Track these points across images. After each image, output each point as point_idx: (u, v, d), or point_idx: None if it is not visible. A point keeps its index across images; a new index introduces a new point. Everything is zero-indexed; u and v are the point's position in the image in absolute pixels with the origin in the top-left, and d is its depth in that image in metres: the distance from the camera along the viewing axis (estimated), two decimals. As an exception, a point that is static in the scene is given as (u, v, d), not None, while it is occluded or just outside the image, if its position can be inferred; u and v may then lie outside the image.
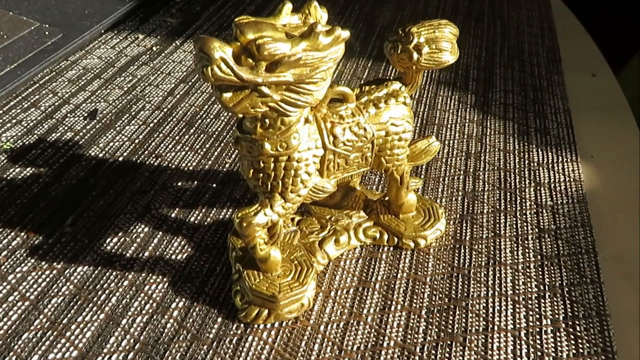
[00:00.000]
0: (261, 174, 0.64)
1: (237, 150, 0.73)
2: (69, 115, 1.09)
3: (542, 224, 0.85)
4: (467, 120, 1.08)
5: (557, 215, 0.86)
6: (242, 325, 0.71)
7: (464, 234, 0.84)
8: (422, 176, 0.94)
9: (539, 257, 0.80)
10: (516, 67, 1.24)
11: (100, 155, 0.99)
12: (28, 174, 0.95)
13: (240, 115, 0.58)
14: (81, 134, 1.04)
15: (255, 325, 0.71)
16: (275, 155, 0.62)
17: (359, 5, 1.52)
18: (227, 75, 0.53)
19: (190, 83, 1.19)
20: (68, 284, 0.76)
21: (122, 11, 1.30)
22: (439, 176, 0.95)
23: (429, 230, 0.81)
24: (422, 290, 0.75)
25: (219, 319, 0.72)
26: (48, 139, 1.02)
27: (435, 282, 0.76)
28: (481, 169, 0.96)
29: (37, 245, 0.81)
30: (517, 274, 0.77)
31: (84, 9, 1.28)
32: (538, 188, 0.92)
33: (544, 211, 0.87)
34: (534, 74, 1.22)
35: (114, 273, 0.78)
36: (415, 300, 0.74)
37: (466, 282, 0.76)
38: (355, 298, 0.75)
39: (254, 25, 0.54)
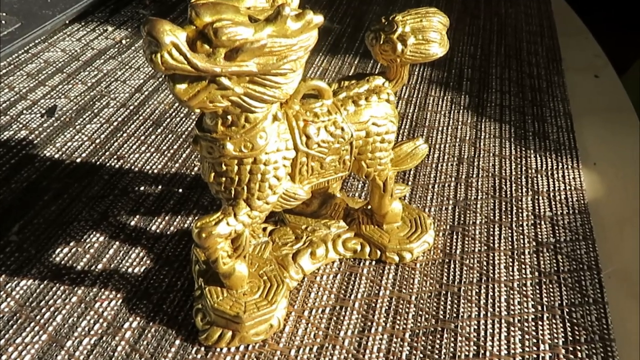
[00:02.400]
0: (224, 178, 0.58)
1: (196, 151, 0.68)
2: (25, 112, 1.03)
3: (540, 236, 0.80)
4: (460, 123, 1.03)
5: (556, 228, 0.82)
6: (202, 348, 0.65)
7: (454, 248, 0.78)
8: (410, 183, 0.89)
9: (536, 273, 0.75)
10: (514, 67, 1.20)
11: (56, 156, 0.93)
12: (-26, 175, 0.88)
13: (198, 111, 0.52)
14: (37, 132, 0.98)
15: (218, 349, 0.65)
16: (239, 157, 0.56)
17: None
18: (180, 64, 0.48)
19: (160, 79, 1.13)
20: (9, 299, 0.70)
21: (89, 1, 1.24)
22: (427, 183, 0.89)
23: (416, 243, 0.76)
24: (407, 310, 0.70)
25: (177, 342, 0.66)
26: (0, 138, 0.96)
27: (421, 301, 0.71)
28: (474, 176, 0.91)
29: (-23, 256, 0.75)
30: (512, 292, 0.72)
31: (45, -2, 1.22)
32: (536, 197, 0.87)
33: (543, 223, 0.82)
34: (532, 74, 1.18)
35: (62, 288, 0.72)
36: (398, 321, 0.68)
37: (455, 302, 0.71)
38: (332, 318, 0.69)
39: (211, 6, 0.49)
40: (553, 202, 0.86)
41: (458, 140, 0.99)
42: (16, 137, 0.97)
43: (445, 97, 1.10)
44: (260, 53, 0.49)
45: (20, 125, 0.99)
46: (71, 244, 0.78)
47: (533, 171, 0.92)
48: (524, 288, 0.73)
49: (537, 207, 0.85)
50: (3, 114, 1.02)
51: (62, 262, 0.75)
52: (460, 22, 1.37)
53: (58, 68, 1.15)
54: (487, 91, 1.12)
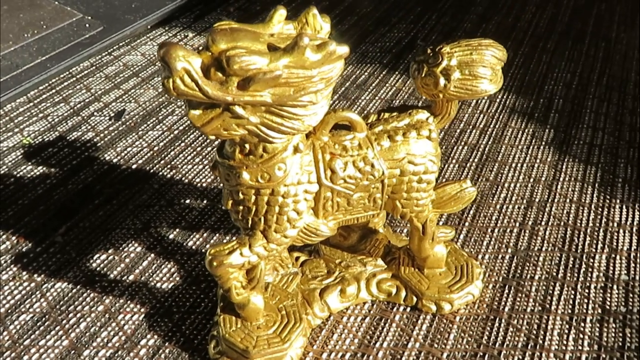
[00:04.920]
0: (241, 207, 0.58)
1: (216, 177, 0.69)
2: (95, 113, 1.10)
3: (608, 303, 0.72)
4: (538, 161, 0.96)
5: (631, 295, 0.73)
6: (211, 378, 0.66)
7: (502, 304, 0.73)
8: (467, 224, 0.85)
9: (595, 347, 0.68)
10: (614, 101, 1.10)
11: (115, 160, 0.99)
12: (38, 173, 0.96)
13: (213, 137, 0.53)
14: (102, 135, 1.05)
15: (226, 381, 0.65)
16: (256, 187, 0.56)
17: (437, 14, 1.43)
18: (191, 90, 0.48)
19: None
20: (42, 300, 0.75)
21: (172, 7, 1.31)
22: (487, 226, 0.84)
23: (458, 293, 0.72)
24: (435, 367, 0.66)
25: (188, 367, 0.67)
26: (67, 138, 1.04)
27: (453, 360, 0.67)
28: (543, 223, 0.84)
29: (24, 253, 0.81)
30: (561, 364, 0.66)
31: (130, 3, 1.30)
32: (612, 256, 0.79)
33: (615, 287, 0.74)
34: (635, 110, 1.07)
35: (92, 295, 0.75)
36: (422, 380, 0.65)
37: (492, 366, 0.66)
38: (351, 365, 0.67)
39: (229, 32, 0.49)
40: (633, 265, 0.78)
41: (532, 180, 0.92)
42: (82, 138, 1.04)
43: (526, 130, 1.04)
44: (275, 84, 0.49)
45: (89, 127, 1.07)
46: (110, 251, 0.82)
47: (615, 225, 0.84)
48: (577, 362, 0.66)
49: (611, 268, 0.77)
50: (76, 115, 1.10)
51: (98, 269, 0.79)
52: (559, 46, 1.28)
53: (135, 72, 1.22)
54: (576, 126, 1.04)
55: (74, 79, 1.20)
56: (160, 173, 0.96)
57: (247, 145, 0.55)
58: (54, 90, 1.16)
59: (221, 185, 0.90)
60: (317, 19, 0.53)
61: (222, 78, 0.49)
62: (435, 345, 0.68)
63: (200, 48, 0.50)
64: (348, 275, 0.74)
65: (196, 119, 0.51)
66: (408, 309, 0.73)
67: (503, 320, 0.71)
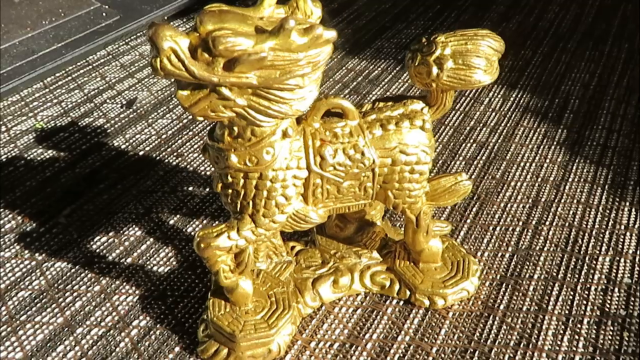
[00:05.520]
0: (230, 190, 0.59)
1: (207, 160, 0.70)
2: (108, 101, 1.13)
3: (608, 306, 0.71)
4: (548, 161, 0.95)
5: (632, 299, 0.72)
6: (198, 360, 0.67)
7: (498, 301, 0.72)
8: (468, 220, 0.84)
9: (590, 349, 0.66)
10: (633, 103, 1.08)
11: (123, 146, 1.01)
12: (48, 156, 0.99)
13: (201, 118, 0.54)
14: (113, 121, 1.07)
15: (213, 364, 0.66)
16: (243, 170, 0.57)
17: (457, 12, 1.43)
18: (177, 70, 0.49)
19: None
20: (41, 278, 0.77)
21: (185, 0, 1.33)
22: (489, 223, 0.84)
23: (453, 289, 0.71)
24: (423, 361, 0.66)
25: (177, 349, 0.68)
26: (79, 123, 1.06)
27: (442, 355, 0.66)
28: (547, 223, 0.83)
29: (27, 232, 0.84)
30: (553, 365, 0.65)
31: (150, -7, 1.33)
32: (617, 259, 0.77)
33: (616, 290, 0.73)
34: (654, 113, 1.05)
35: (89, 275, 0.77)
36: (409, 373, 0.65)
37: (482, 363, 0.65)
38: (338, 355, 0.67)
39: (217, 14, 0.50)
40: (637, 268, 0.76)
41: (539, 179, 0.91)
42: (94, 124, 1.06)
43: (538, 129, 1.02)
44: (260, 66, 0.50)
45: (101, 114, 1.09)
46: (110, 233, 0.84)
47: (622, 227, 0.82)
48: (569, 363, 0.65)
49: (614, 271, 0.76)
50: (89, 102, 1.12)
51: (97, 251, 0.81)
52: (580, 46, 1.26)
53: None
54: (591, 127, 1.02)
55: (91, 67, 1.23)
56: (166, 160, 0.98)
57: (235, 128, 0.55)
58: (70, 78, 1.19)
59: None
60: (308, 3, 0.54)
61: (209, 59, 0.50)
62: (426, 340, 0.68)
63: (189, 30, 0.51)
64: (342, 266, 0.74)
65: (184, 99, 0.52)
66: (401, 303, 0.72)
67: (497, 318, 0.70)
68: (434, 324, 0.70)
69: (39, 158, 0.98)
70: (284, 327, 0.66)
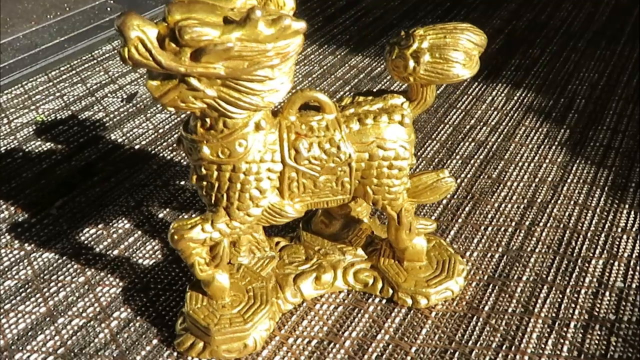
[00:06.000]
0: (204, 182, 0.59)
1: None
2: (109, 95, 1.14)
3: (597, 310, 0.69)
4: (547, 161, 0.93)
5: (623, 303, 0.70)
6: (175, 353, 0.67)
7: (483, 302, 0.71)
8: (459, 220, 0.83)
9: (575, 352, 0.65)
10: (641, 103, 1.05)
11: (120, 140, 1.02)
12: (45, 148, 1.00)
13: (171, 109, 0.54)
14: (112, 115, 1.08)
15: (189, 358, 0.66)
16: (216, 162, 0.57)
17: (466, 10, 1.41)
18: (145, 59, 0.50)
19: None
20: (28, 268, 0.78)
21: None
22: (480, 223, 0.82)
23: (436, 288, 0.70)
24: (401, 361, 0.65)
25: (155, 341, 0.68)
26: (79, 117, 1.08)
27: (421, 355, 0.66)
28: (541, 224, 0.82)
29: (19, 223, 0.85)
30: (535, 369, 0.64)
31: (156, -12, 1.34)
32: (610, 262, 0.76)
33: (607, 294, 0.71)
34: (663, 114, 1.02)
35: (75, 266, 0.78)
36: (386, 372, 0.64)
37: (461, 365, 0.64)
38: (315, 352, 0.67)
39: (186, 5, 0.50)
40: (631, 272, 0.74)
41: (537, 180, 0.90)
42: (93, 117, 1.08)
43: (540, 129, 1.01)
44: (227, 56, 0.50)
45: (101, 107, 1.11)
46: (100, 225, 0.84)
47: (619, 230, 0.80)
48: (552, 367, 0.64)
49: (607, 274, 0.74)
50: (90, 95, 1.14)
51: (85, 242, 0.82)
52: (591, 45, 1.24)
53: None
54: (595, 128, 1.00)
55: (95, 61, 1.25)
56: (161, 154, 0.98)
57: (207, 120, 0.56)
58: (74, 71, 1.21)
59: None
60: (281, -6, 0.54)
61: (176, 49, 0.50)
62: (405, 339, 0.67)
63: (159, 20, 0.51)
64: (325, 262, 0.74)
65: (154, 89, 0.53)
66: (384, 301, 0.72)
67: (481, 319, 0.69)
68: (415, 324, 0.69)
69: (36, 150, 1.00)
70: (260, 322, 0.66)
